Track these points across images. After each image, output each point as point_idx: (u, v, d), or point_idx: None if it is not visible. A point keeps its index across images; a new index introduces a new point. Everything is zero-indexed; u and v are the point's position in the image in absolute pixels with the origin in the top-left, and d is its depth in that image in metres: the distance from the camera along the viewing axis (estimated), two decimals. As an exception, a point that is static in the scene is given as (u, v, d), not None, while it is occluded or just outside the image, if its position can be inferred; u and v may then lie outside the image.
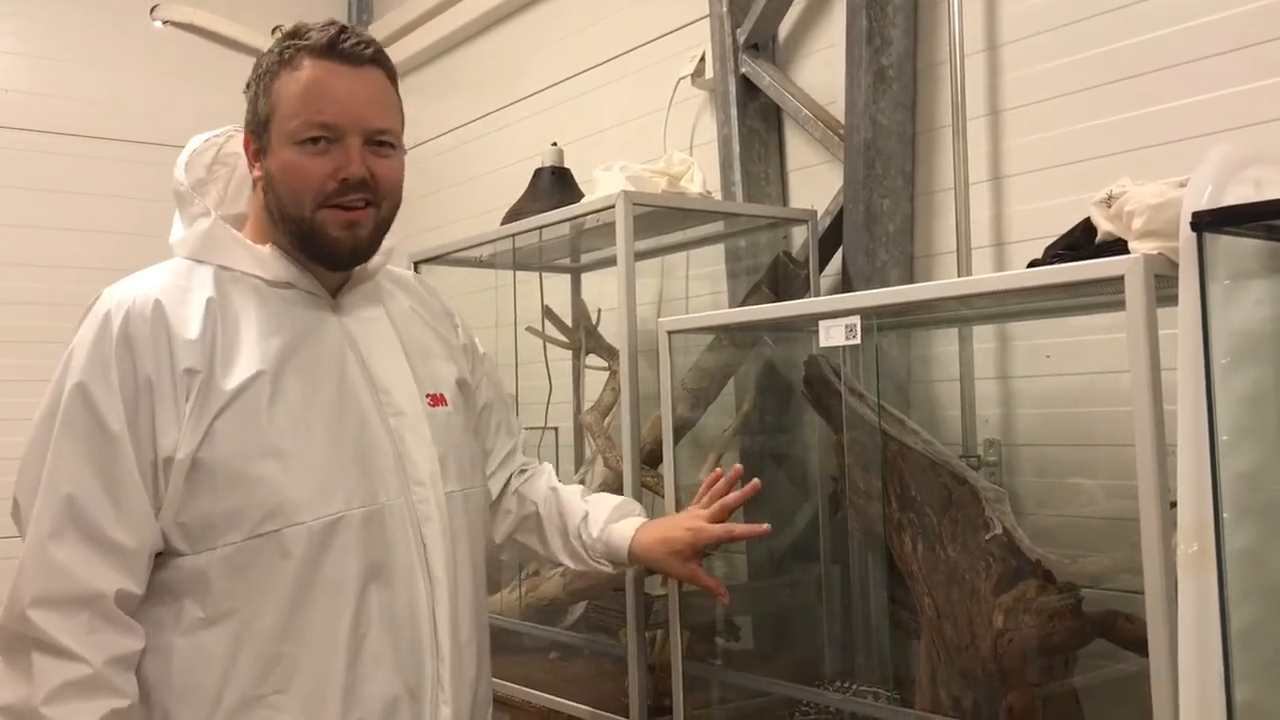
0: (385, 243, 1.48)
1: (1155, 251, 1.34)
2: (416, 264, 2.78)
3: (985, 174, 2.19)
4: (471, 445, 1.59)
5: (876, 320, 1.72)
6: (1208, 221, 1.23)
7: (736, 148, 2.63)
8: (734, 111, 2.63)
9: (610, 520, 1.69)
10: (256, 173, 1.39)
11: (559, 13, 3.47)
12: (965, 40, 2.18)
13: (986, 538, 1.72)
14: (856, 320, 1.61)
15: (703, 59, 2.80)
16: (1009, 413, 2.12)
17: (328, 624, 1.33)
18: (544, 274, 2.76)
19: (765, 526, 1.68)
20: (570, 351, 2.77)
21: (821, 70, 2.57)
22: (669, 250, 2.71)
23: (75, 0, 3.92)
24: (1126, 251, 1.39)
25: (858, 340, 1.61)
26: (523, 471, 1.79)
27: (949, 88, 2.19)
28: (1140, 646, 1.34)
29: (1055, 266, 1.48)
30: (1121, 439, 1.40)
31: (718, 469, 1.73)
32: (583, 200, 2.41)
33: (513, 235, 2.55)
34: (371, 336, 1.44)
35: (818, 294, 2.38)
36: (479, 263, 2.75)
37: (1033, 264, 1.62)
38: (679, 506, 2.10)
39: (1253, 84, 1.79)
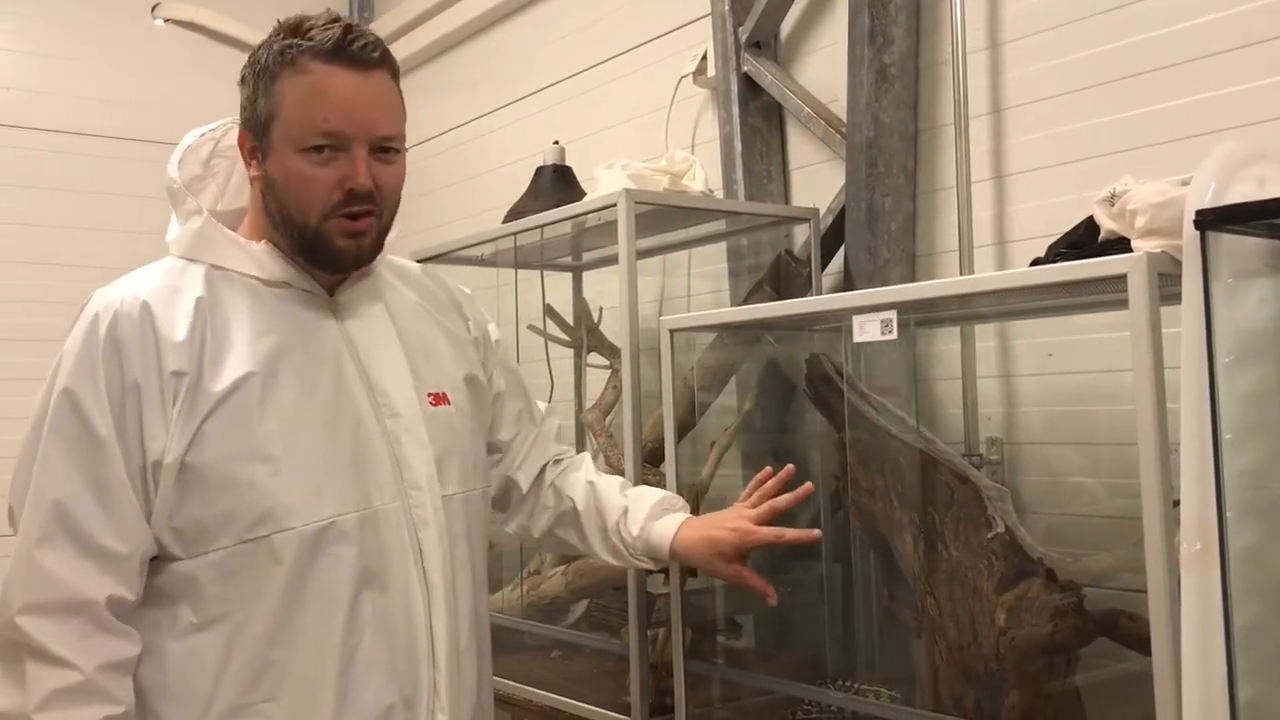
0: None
1: (1158, 250, 1.34)
2: (418, 263, 2.78)
3: (987, 172, 2.19)
4: (477, 446, 1.55)
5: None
6: (1211, 220, 1.23)
7: (738, 146, 2.62)
8: (736, 110, 2.63)
9: (651, 518, 1.63)
10: (253, 172, 1.36)
11: (561, 11, 3.47)
12: (967, 38, 2.18)
13: (989, 536, 1.72)
14: (893, 315, 1.59)
15: (704, 57, 2.79)
16: (1011, 411, 2.12)
17: (319, 630, 1.31)
18: (545, 272, 2.76)
19: (817, 532, 1.62)
20: (572, 350, 2.76)
21: (823, 68, 2.57)
22: (671, 249, 2.71)
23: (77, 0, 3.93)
24: (1129, 250, 1.39)
25: (894, 335, 1.58)
26: (558, 462, 1.74)
27: (951, 86, 2.18)
28: (1143, 645, 1.34)
29: (1058, 265, 1.48)
30: (1124, 437, 1.40)
31: (767, 468, 1.67)
32: (584, 199, 2.40)
33: (514, 234, 2.55)
34: (370, 335, 1.41)
35: (819, 293, 2.38)
36: (480, 261, 2.75)
37: (1035, 262, 1.61)
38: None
39: (1256, 82, 1.79)
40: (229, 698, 1.29)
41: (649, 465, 2.21)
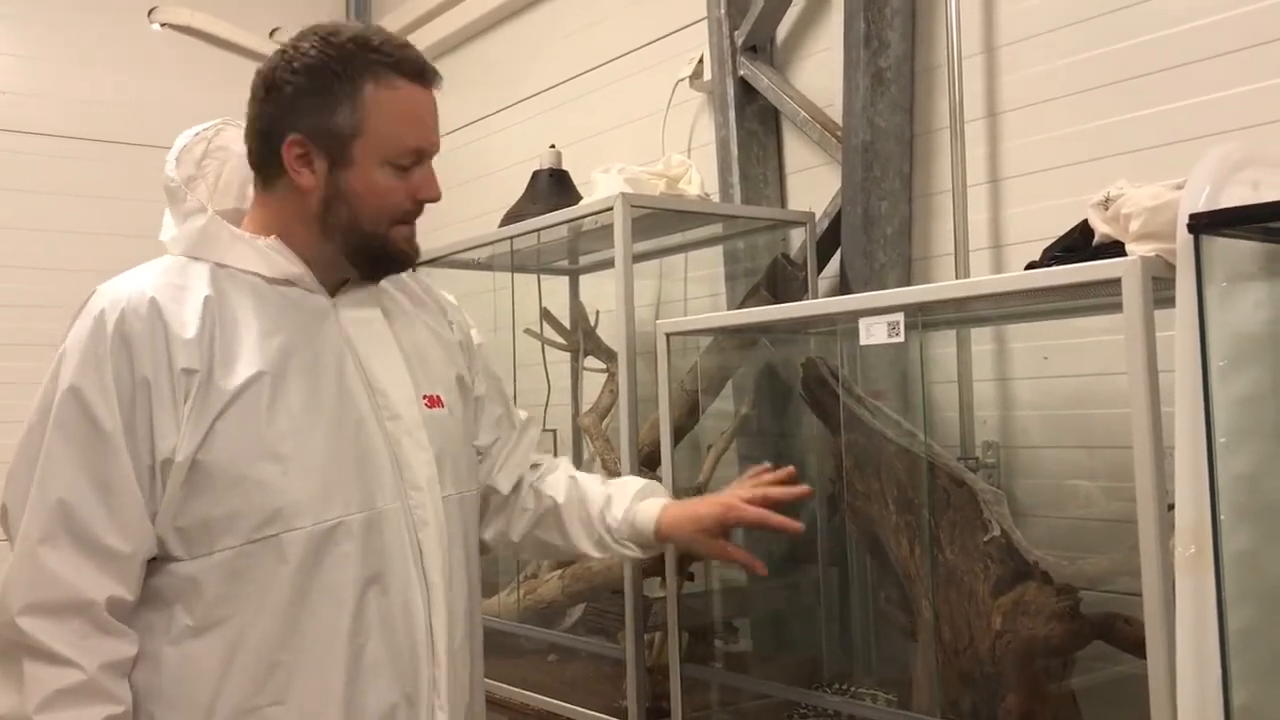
0: None
1: (1153, 253, 1.34)
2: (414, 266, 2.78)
3: (983, 176, 2.19)
4: (468, 448, 1.56)
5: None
6: (1205, 223, 1.23)
7: (735, 150, 2.63)
8: (732, 114, 2.64)
9: (636, 499, 1.63)
10: (307, 180, 1.33)
11: (557, 16, 3.47)
12: (963, 43, 2.18)
13: (985, 540, 1.72)
14: (900, 318, 1.58)
15: (701, 61, 2.80)
16: (1007, 414, 2.12)
17: (327, 631, 1.31)
18: (542, 276, 2.76)
19: (799, 525, 1.62)
20: (568, 353, 2.76)
21: (819, 73, 2.57)
22: (667, 252, 2.71)
23: (73, 2, 3.92)
24: (1124, 254, 1.39)
25: (900, 338, 1.58)
26: (535, 467, 1.73)
27: (947, 90, 2.19)
28: (1138, 648, 1.34)
29: (1053, 269, 1.48)
30: (1119, 441, 1.40)
31: (766, 464, 1.67)
32: (581, 202, 2.41)
33: (511, 237, 2.55)
34: (368, 337, 1.41)
35: (815, 296, 2.38)
36: (477, 265, 2.75)
37: (1031, 266, 1.62)
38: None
39: (1250, 86, 1.80)
40: (233, 702, 1.28)
41: (646, 469, 2.21)
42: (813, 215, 2.44)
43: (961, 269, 2.16)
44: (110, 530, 1.25)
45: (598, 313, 2.62)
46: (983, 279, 2.03)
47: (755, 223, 2.51)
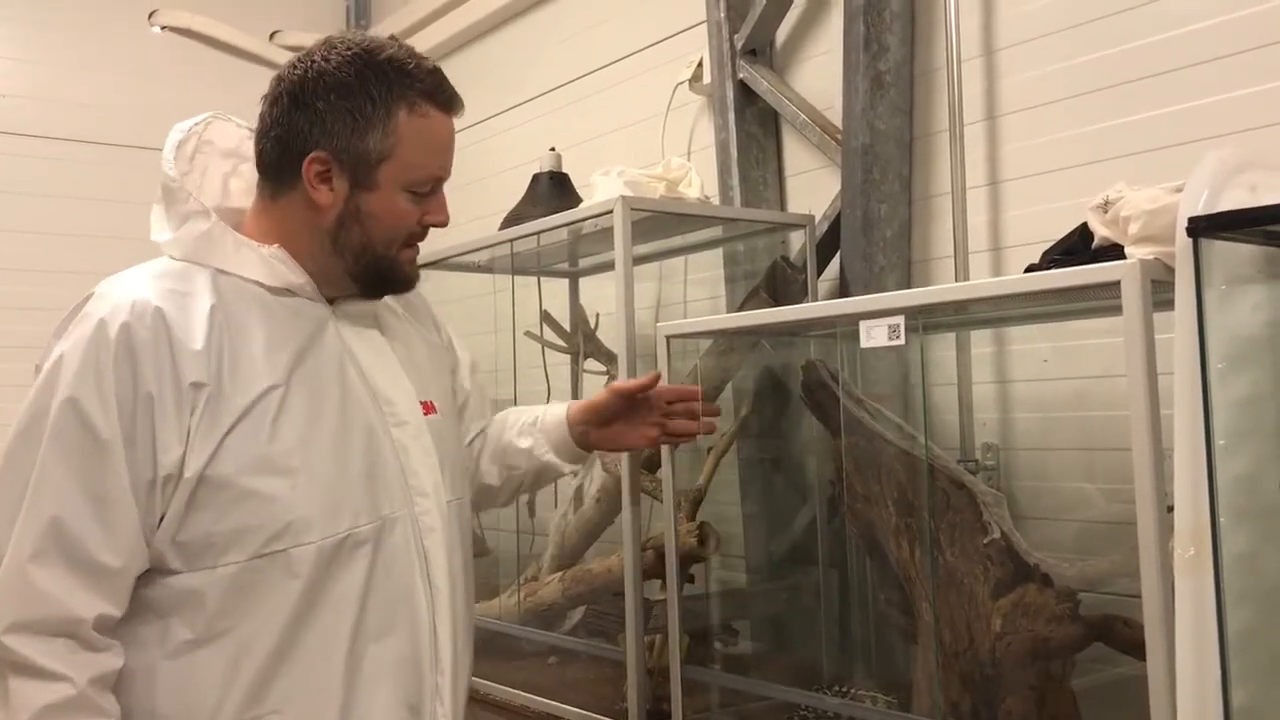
0: None
1: (1151, 256, 1.35)
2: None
3: (982, 179, 2.20)
4: (461, 452, 1.56)
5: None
6: (1204, 226, 1.23)
7: (734, 153, 2.63)
8: (732, 117, 2.64)
9: (541, 409, 1.70)
10: (325, 197, 1.31)
11: (557, 18, 3.48)
12: (962, 46, 2.19)
13: (984, 542, 1.72)
14: (901, 320, 1.59)
15: (700, 64, 2.80)
16: (1007, 417, 2.12)
17: (326, 642, 1.29)
18: (542, 279, 2.77)
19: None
20: (569, 356, 2.77)
21: (819, 76, 2.58)
22: (667, 255, 2.71)
23: (74, 6, 3.92)
24: (1123, 257, 1.39)
25: (901, 340, 1.58)
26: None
27: (946, 93, 2.19)
28: (1138, 650, 1.35)
29: (1052, 272, 1.49)
30: (1119, 443, 1.40)
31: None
32: (581, 205, 2.41)
33: (511, 240, 2.55)
34: (368, 346, 1.40)
35: (815, 299, 2.38)
36: (477, 268, 2.75)
37: (1030, 269, 1.62)
38: (677, 511, 2.11)
39: (1248, 89, 1.80)
40: (233, 714, 1.25)
41: (646, 471, 2.22)
42: (812, 218, 2.44)
43: (961, 272, 2.16)
44: (104, 546, 1.22)
45: (598, 315, 2.62)
46: (982, 282, 2.03)
47: (755, 225, 2.52)
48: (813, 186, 2.57)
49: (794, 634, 2.41)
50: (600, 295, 2.71)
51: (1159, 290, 1.33)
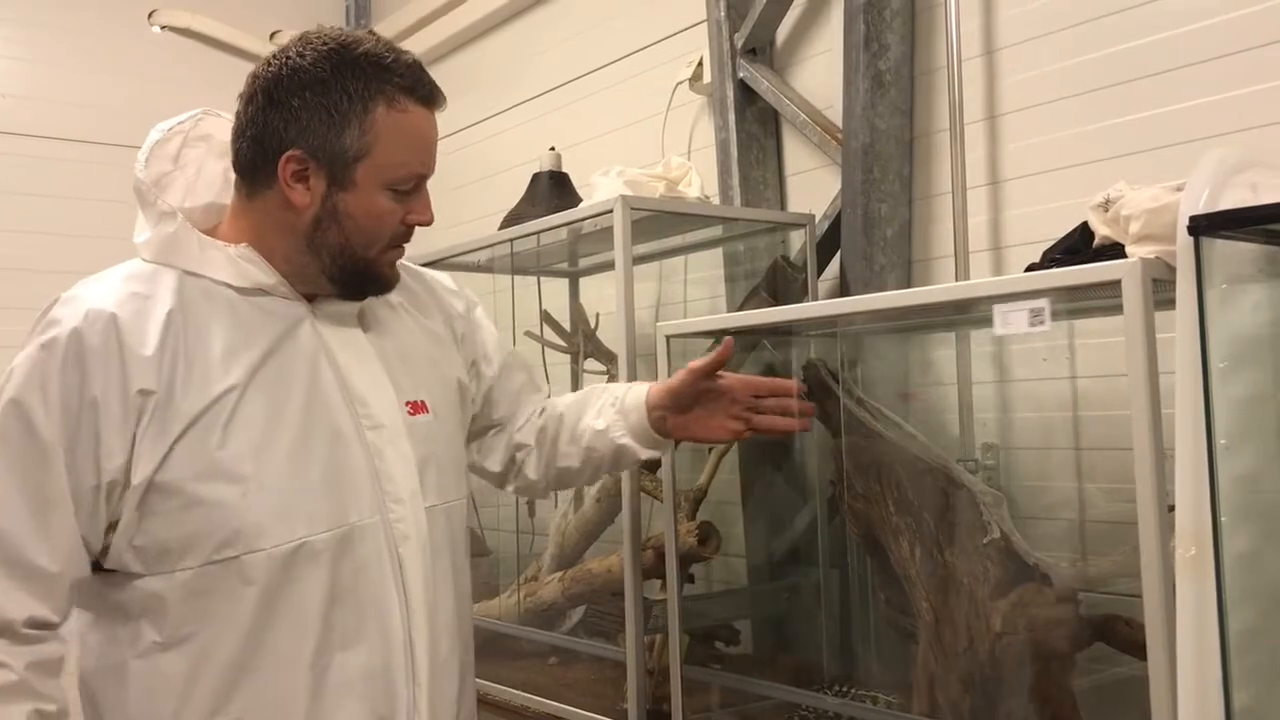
0: None
1: (1152, 255, 1.35)
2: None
3: (983, 178, 2.20)
4: (456, 454, 1.51)
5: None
6: (1205, 225, 1.23)
7: (734, 152, 2.63)
8: (732, 116, 2.64)
9: (625, 390, 1.60)
10: (301, 197, 1.28)
11: (557, 18, 3.47)
12: (963, 45, 2.19)
13: (984, 542, 1.72)
14: (1046, 303, 1.43)
15: (700, 64, 2.80)
16: (1006, 416, 2.12)
17: (289, 651, 1.26)
18: (542, 278, 2.76)
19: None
20: (569, 356, 2.77)
21: (819, 75, 2.57)
22: (667, 254, 2.71)
23: (74, 5, 3.92)
24: (1124, 256, 1.39)
25: (1046, 326, 1.43)
26: (543, 412, 1.68)
27: (946, 92, 2.19)
28: (1139, 650, 1.34)
29: (1053, 270, 1.49)
30: (1119, 443, 1.40)
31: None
32: (581, 205, 2.41)
33: (511, 240, 2.55)
34: (348, 344, 1.36)
35: (815, 298, 2.38)
36: (477, 267, 2.75)
37: (1031, 268, 1.62)
38: (678, 510, 2.11)
39: (1250, 88, 1.80)
40: (196, 718, 1.25)
41: (646, 471, 2.22)
42: (812, 217, 2.44)
43: (961, 271, 2.16)
44: (40, 551, 1.20)
45: (598, 315, 2.62)
46: (982, 281, 2.03)
47: (755, 225, 2.51)
48: (813, 186, 2.57)
49: (794, 634, 2.41)
50: (600, 295, 2.71)
51: (1160, 289, 1.32)
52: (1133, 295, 1.31)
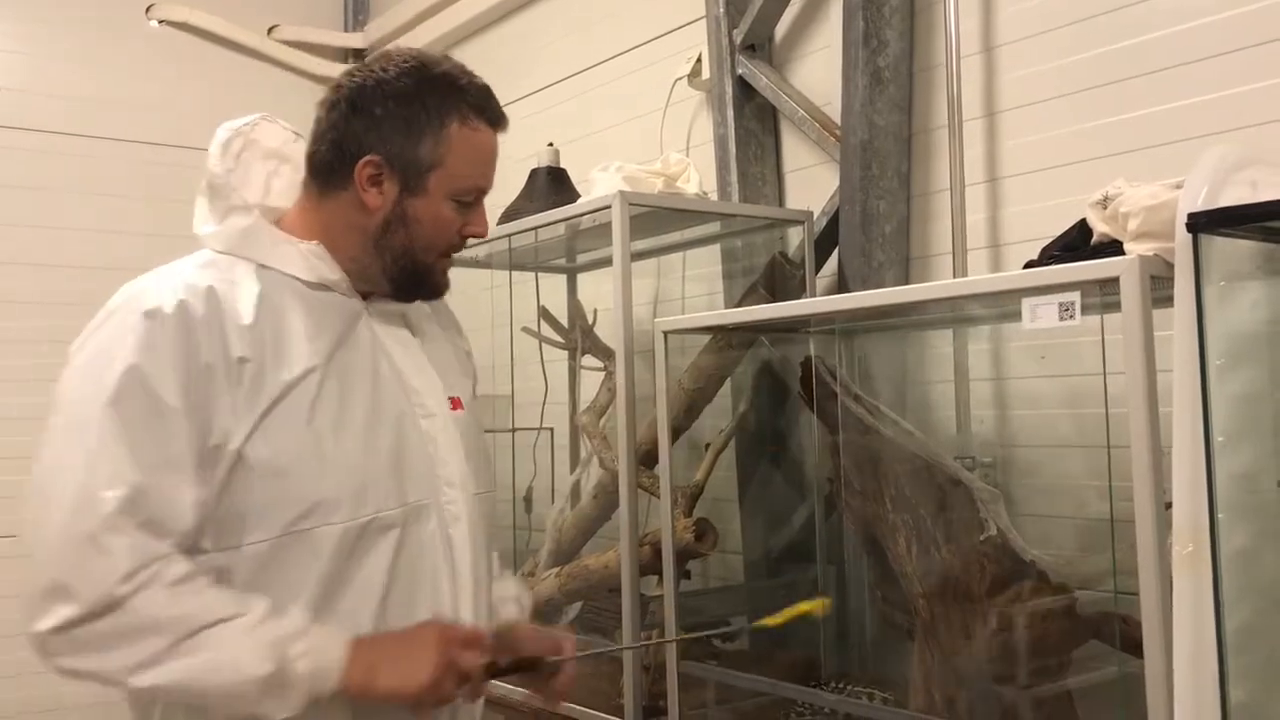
0: None
1: (1151, 253, 1.35)
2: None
3: (981, 175, 2.19)
4: (486, 448, 1.59)
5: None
6: (1203, 223, 1.23)
7: (733, 148, 2.63)
8: (730, 112, 2.64)
9: None
10: (374, 199, 1.37)
11: (555, 13, 3.47)
12: (961, 42, 2.18)
13: (981, 539, 1.72)
14: (1076, 296, 1.41)
15: (699, 60, 2.80)
16: (1004, 414, 2.12)
17: (349, 624, 1.30)
18: (540, 274, 2.76)
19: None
20: (566, 352, 2.76)
21: (818, 71, 2.57)
22: (665, 251, 2.71)
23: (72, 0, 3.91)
24: (1122, 253, 1.39)
25: (1076, 319, 1.42)
26: None
27: (945, 89, 2.19)
28: (1135, 647, 1.34)
29: (1051, 268, 1.48)
30: (1117, 440, 1.40)
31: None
32: (579, 200, 2.41)
33: (509, 235, 2.55)
34: (399, 341, 1.45)
35: (813, 295, 2.38)
36: (475, 263, 2.75)
37: (1029, 265, 1.62)
38: (675, 507, 2.11)
39: (1249, 86, 1.80)
40: None
41: (643, 467, 2.22)
42: (810, 214, 2.44)
43: (959, 268, 2.16)
44: (171, 511, 1.24)
45: (595, 311, 2.62)
46: (980, 278, 2.03)
47: (753, 221, 2.51)
48: (811, 182, 2.56)
49: (791, 630, 2.41)
50: (598, 291, 2.71)
51: (1158, 286, 1.32)
52: (1131, 292, 1.31)
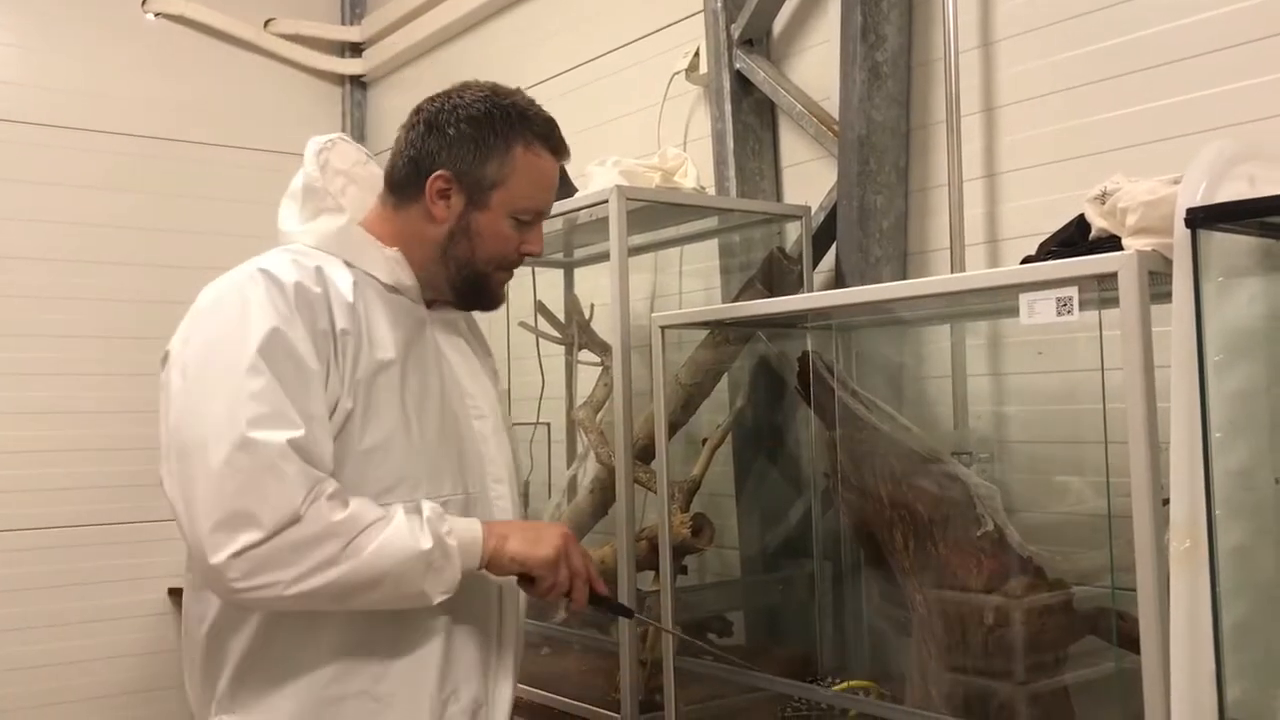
0: None
1: (1149, 248, 1.34)
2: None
3: (979, 170, 2.19)
4: (519, 457, 1.71)
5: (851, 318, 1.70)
6: (1202, 218, 1.23)
7: (730, 143, 2.62)
8: (728, 107, 2.63)
9: None
10: (442, 211, 1.49)
11: (553, 7, 3.46)
12: (960, 36, 2.18)
13: (978, 534, 1.72)
14: (1074, 291, 1.41)
15: (697, 54, 2.79)
16: (1001, 409, 2.12)
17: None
18: (537, 269, 2.76)
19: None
20: (563, 347, 2.76)
21: (816, 66, 2.57)
22: (662, 246, 2.70)
23: (67, -8, 3.90)
24: (1120, 248, 1.39)
25: (1074, 315, 1.41)
26: None
27: (943, 84, 2.18)
28: (1132, 644, 1.34)
29: (1049, 263, 1.48)
30: (1114, 436, 1.40)
31: None
32: (576, 195, 2.40)
33: (506, 230, 2.54)
34: (456, 348, 1.57)
35: (811, 290, 2.37)
36: (472, 257, 2.74)
37: (1027, 260, 1.62)
38: (671, 502, 2.10)
39: (1247, 81, 1.80)
40: (337, 667, 1.38)
41: (640, 463, 2.21)
42: (808, 209, 2.44)
43: (957, 263, 2.15)
44: (326, 458, 1.34)
45: (592, 306, 2.61)
46: (978, 273, 2.03)
47: (751, 216, 2.51)
48: (809, 177, 2.56)
49: (788, 625, 2.41)
50: (595, 286, 2.70)
51: (1156, 282, 1.32)
52: (1129, 287, 1.31)
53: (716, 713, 2.12)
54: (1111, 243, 1.44)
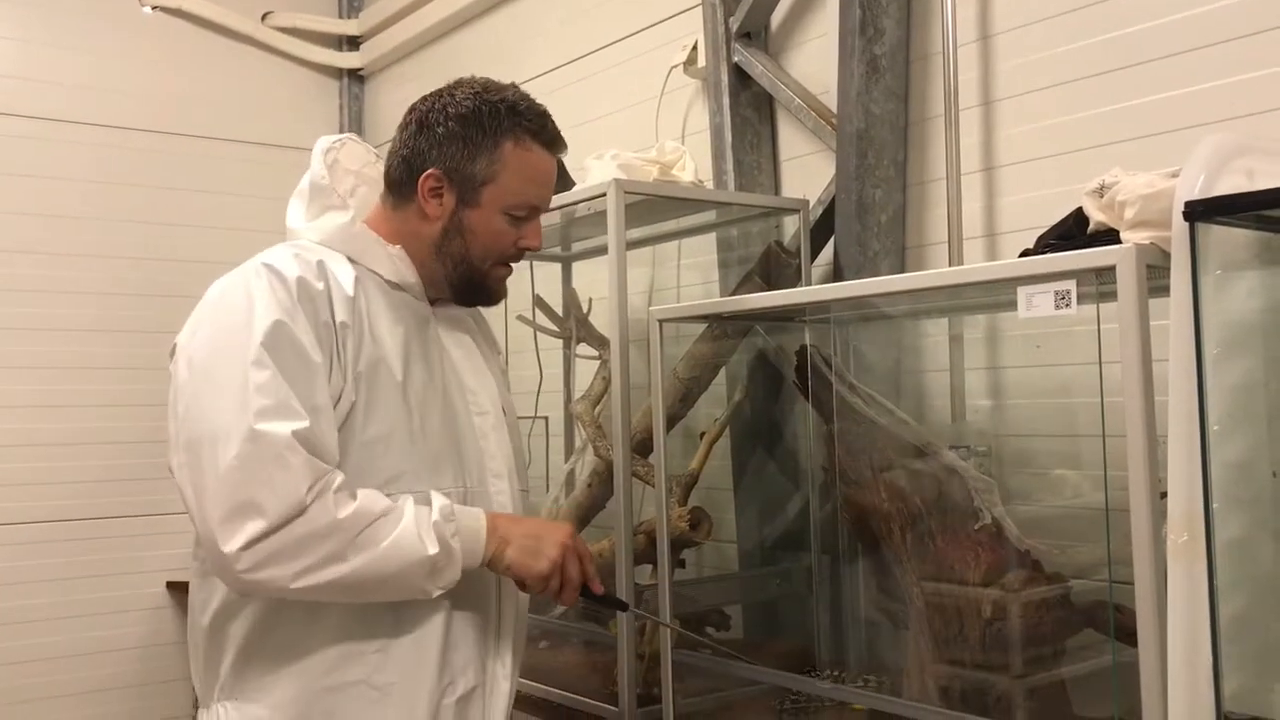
0: None
1: (1147, 241, 1.34)
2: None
3: (978, 164, 2.19)
4: (522, 451, 1.70)
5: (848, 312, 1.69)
6: (1200, 211, 1.23)
7: (729, 137, 2.62)
8: (726, 100, 2.63)
9: None
10: (434, 209, 1.50)
11: (551, 1, 3.45)
12: (958, 30, 2.18)
13: (975, 528, 1.72)
14: (1072, 285, 1.41)
15: (695, 47, 2.79)
16: (999, 403, 2.12)
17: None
18: (535, 262, 2.75)
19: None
20: (561, 340, 2.76)
21: (814, 60, 2.56)
22: (660, 239, 2.70)
23: (64, -14, 3.89)
24: (1118, 241, 1.39)
25: (1072, 309, 1.41)
26: None
27: (942, 78, 2.18)
28: (1129, 636, 1.35)
29: (1047, 256, 1.48)
30: (1112, 429, 1.40)
31: None
32: (574, 188, 2.40)
33: (504, 224, 2.53)
34: (459, 345, 1.58)
35: (809, 284, 2.37)
36: (470, 251, 2.74)
37: (1025, 254, 1.62)
38: (669, 495, 2.10)
39: (1245, 75, 1.79)
40: (338, 647, 1.39)
41: (638, 456, 2.21)
42: (806, 202, 2.43)
43: (955, 257, 2.15)
44: (332, 449, 1.36)
45: (590, 300, 2.61)
46: (976, 266, 2.02)
47: (749, 210, 2.51)
48: (807, 171, 2.56)
49: (786, 619, 2.41)
50: (593, 279, 2.70)
51: (1154, 275, 1.32)
52: (1127, 281, 1.31)
53: (714, 706, 2.13)
54: (1109, 236, 1.44)
